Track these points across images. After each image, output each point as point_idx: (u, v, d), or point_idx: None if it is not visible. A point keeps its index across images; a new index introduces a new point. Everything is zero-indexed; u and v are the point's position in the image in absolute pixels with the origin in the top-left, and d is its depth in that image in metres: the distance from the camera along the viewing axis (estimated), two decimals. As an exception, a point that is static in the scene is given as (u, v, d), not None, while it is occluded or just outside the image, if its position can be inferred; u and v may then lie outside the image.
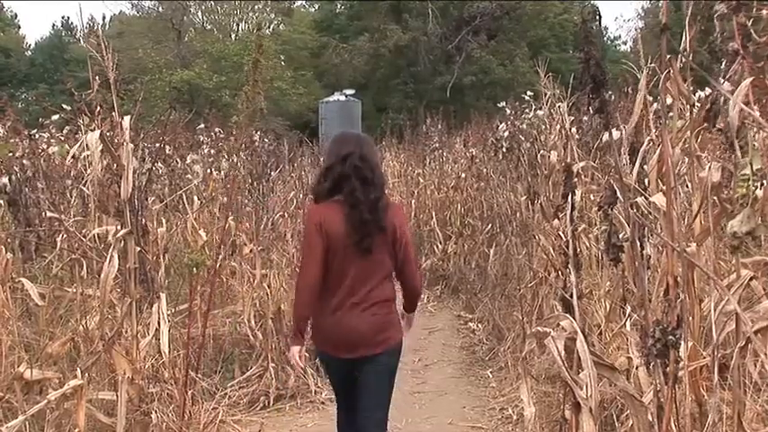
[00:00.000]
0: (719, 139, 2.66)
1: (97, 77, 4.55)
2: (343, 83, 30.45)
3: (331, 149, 4.04)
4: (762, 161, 2.59)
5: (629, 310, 4.18)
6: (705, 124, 2.86)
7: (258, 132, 10.09)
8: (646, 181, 3.50)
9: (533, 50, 32.29)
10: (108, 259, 4.28)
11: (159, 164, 7.85)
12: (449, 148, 13.91)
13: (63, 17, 61.02)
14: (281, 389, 6.22)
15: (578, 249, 3.55)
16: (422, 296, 4.25)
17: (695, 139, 3.01)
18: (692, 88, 3.09)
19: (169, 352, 4.81)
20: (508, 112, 10.35)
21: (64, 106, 6.79)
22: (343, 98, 25.36)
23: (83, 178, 6.32)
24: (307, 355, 6.56)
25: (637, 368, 3.58)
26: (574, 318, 3.13)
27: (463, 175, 11.87)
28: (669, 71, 2.89)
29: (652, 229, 3.06)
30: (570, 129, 6.22)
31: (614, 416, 4.07)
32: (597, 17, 2.81)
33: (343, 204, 3.82)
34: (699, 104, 3.04)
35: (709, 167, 2.80)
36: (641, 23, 35.90)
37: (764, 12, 2.50)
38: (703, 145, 3.17)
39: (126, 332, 4.56)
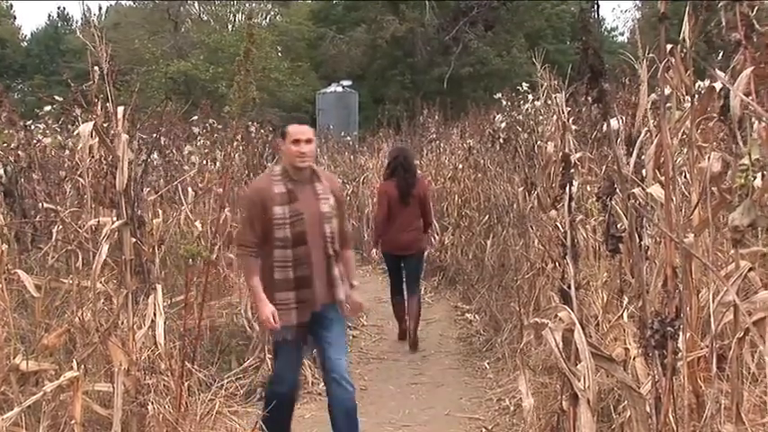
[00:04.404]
0: (722, 129, 2.64)
1: (96, 68, 4.52)
2: (340, 74, 30.41)
3: (390, 155, 8.58)
4: (760, 151, 2.58)
5: (626, 301, 4.18)
6: (707, 115, 2.84)
7: (254, 123, 10.07)
8: (643, 172, 3.49)
9: (530, 41, 32.17)
10: (98, 250, 4.27)
11: (155, 155, 7.82)
12: (446, 139, 13.89)
13: (59, 8, 60.85)
14: (278, 380, 6.21)
15: (576, 240, 3.54)
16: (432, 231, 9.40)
17: (696, 129, 3.00)
18: (692, 78, 3.07)
19: (165, 343, 4.79)
20: (505, 103, 10.33)
21: (56, 97, 6.77)
22: (340, 89, 25.35)
23: (78, 169, 6.30)
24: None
25: (634, 359, 3.57)
26: (571, 309, 3.12)
27: (460, 166, 11.85)
28: (668, 61, 2.87)
29: (650, 220, 3.05)
30: (567, 119, 6.20)
31: (611, 407, 4.06)
32: (595, 7, 2.80)
33: (395, 181, 7.76)
34: (698, 95, 3.03)
35: (709, 158, 2.78)
36: (638, 14, 35.79)
37: (766, 2, 2.48)
38: (706, 135, 3.16)
39: (122, 323, 4.55)
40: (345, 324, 4.97)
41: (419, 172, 9.50)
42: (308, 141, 4.53)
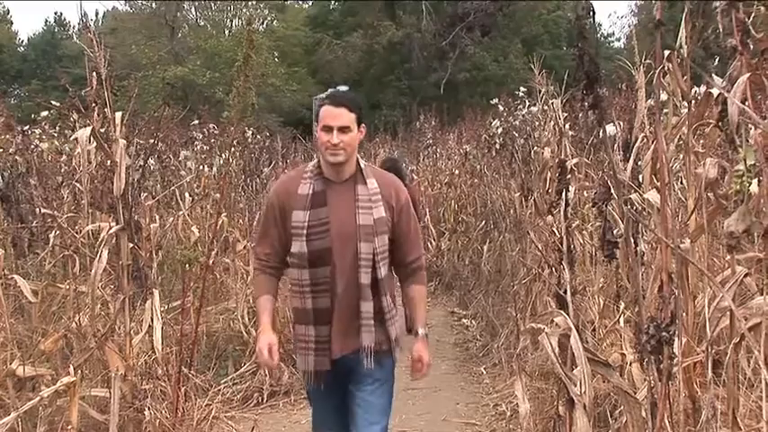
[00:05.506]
0: (719, 135, 2.65)
1: (93, 73, 4.54)
2: (336, 79, 30.37)
3: (383, 162, 8.18)
4: (756, 157, 2.59)
5: (622, 306, 4.19)
6: (704, 121, 2.85)
7: (251, 129, 10.09)
8: (640, 177, 3.50)
9: (527, 47, 32.32)
10: (97, 256, 4.27)
11: (152, 160, 7.83)
12: (442, 145, 13.92)
13: (56, 13, 60.83)
14: (275, 385, 6.21)
15: (572, 246, 3.55)
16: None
17: (693, 135, 3.01)
18: (689, 84, 3.09)
19: (162, 348, 4.80)
20: (501, 108, 10.34)
21: (53, 102, 6.78)
22: (336, 94, 25.32)
23: (74, 174, 6.30)
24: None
25: (630, 364, 3.58)
26: (568, 314, 3.13)
27: (457, 172, 11.87)
28: (664, 67, 2.89)
29: (646, 226, 3.06)
30: (564, 125, 6.22)
31: (608, 412, 4.06)
32: (591, 13, 2.80)
33: None
34: (695, 101, 3.04)
35: (704, 164, 2.80)
36: (635, 20, 35.89)
37: (762, 9, 2.50)
38: (704, 141, 3.17)
39: (119, 329, 4.55)
40: (389, 379, 3.83)
41: (414, 177, 9.63)
42: (343, 130, 3.35)
